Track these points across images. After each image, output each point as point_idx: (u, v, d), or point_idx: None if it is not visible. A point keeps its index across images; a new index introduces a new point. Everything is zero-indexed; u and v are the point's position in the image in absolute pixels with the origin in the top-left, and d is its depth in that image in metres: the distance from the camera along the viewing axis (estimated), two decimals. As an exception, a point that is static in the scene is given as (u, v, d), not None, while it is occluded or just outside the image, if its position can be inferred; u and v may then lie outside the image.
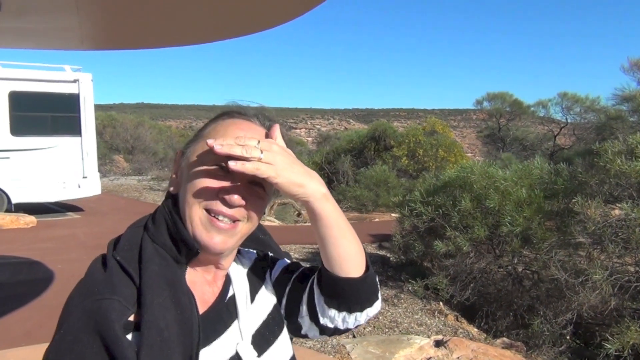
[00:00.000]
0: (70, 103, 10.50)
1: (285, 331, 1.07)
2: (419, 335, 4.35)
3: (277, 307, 1.08)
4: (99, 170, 11.46)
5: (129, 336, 0.81)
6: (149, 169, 24.29)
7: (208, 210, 0.89)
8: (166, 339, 0.82)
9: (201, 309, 0.91)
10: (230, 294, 1.01)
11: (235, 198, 0.88)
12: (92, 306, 0.80)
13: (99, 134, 16.84)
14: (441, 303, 5.25)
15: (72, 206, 11.75)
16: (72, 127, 10.54)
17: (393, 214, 10.88)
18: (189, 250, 0.91)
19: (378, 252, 7.83)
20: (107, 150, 24.96)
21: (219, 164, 0.88)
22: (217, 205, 0.88)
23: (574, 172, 5.03)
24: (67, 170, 10.51)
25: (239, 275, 1.04)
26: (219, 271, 0.99)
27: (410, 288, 5.51)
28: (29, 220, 9.54)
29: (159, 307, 0.84)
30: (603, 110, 12.74)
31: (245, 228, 0.93)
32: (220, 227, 0.89)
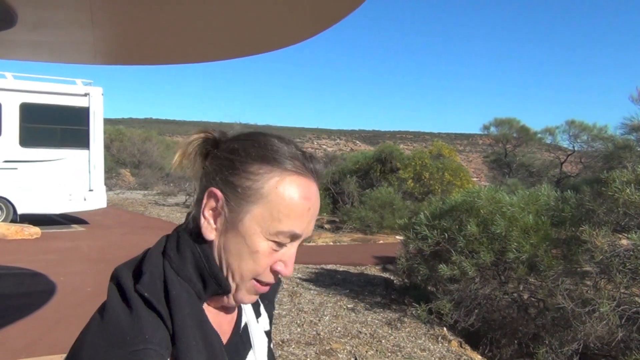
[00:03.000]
0: (80, 116, 10.60)
1: None
2: (422, 360, 4.28)
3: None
4: (105, 184, 11.50)
5: None
6: (154, 183, 24.38)
7: (257, 279, 0.87)
8: None
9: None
10: (242, 323, 1.00)
11: (290, 272, 0.88)
12: (126, 358, 0.72)
13: (107, 147, 16.95)
14: (445, 328, 5.18)
15: (77, 218, 11.78)
16: (81, 140, 10.62)
17: (397, 236, 10.84)
18: (218, 289, 0.86)
19: (382, 275, 7.77)
20: (114, 164, 25.10)
21: (282, 242, 0.86)
22: (268, 277, 0.88)
23: (581, 200, 4.99)
24: (74, 183, 10.55)
25: (246, 310, 1.03)
26: (230, 307, 0.97)
27: (413, 312, 5.45)
28: (34, 231, 9.55)
29: (196, 351, 0.79)
30: (610, 139, 12.72)
31: None
32: (262, 292, 0.90)
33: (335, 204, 14.91)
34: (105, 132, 11.78)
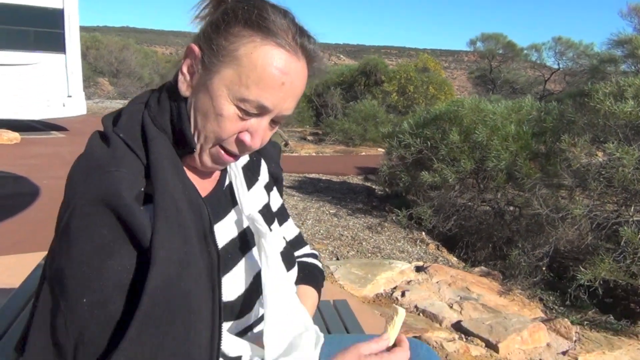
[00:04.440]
0: (55, 18, 10.11)
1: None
2: (400, 260, 4.48)
3: (269, 208, 1.12)
4: (83, 91, 11.21)
5: (142, 208, 0.78)
6: (134, 93, 23.76)
7: (221, 146, 0.88)
8: (181, 209, 0.80)
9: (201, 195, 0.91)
10: (226, 182, 1.02)
11: (257, 144, 0.88)
12: (100, 178, 0.76)
13: (83, 55, 16.31)
14: (423, 233, 5.38)
15: (56, 125, 11.58)
16: (56, 43, 10.20)
17: (380, 149, 10.94)
18: (185, 146, 0.88)
19: (364, 184, 7.92)
20: (92, 73, 24.32)
21: (249, 112, 0.84)
22: (232, 146, 0.88)
23: (563, 111, 5.05)
24: (51, 88, 10.25)
25: (235, 166, 1.04)
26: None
27: (394, 217, 5.62)
28: (13, 136, 9.40)
29: (173, 182, 0.82)
30: (596, 56, 12.66)
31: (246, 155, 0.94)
32: (227, 161, 0.91)
33: (318, 116, 14.85)
34: (80, 39, 11.31)
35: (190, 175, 0.91)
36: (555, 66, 18.69)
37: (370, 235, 5.25)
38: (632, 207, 4.28)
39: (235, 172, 1.03)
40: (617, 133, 4.60)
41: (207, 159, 0.89)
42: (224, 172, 1.02)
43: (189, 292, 0.76)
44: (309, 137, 13.50)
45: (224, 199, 0.99)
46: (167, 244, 0.75)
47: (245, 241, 0.98)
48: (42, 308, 0.78)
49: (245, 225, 1.00)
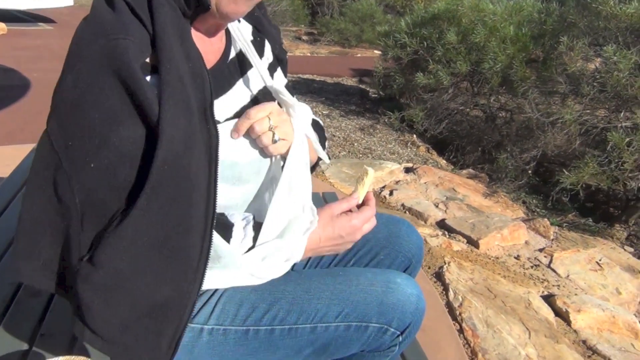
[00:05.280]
0: None
1: None
2: (390, 161, 4.55)
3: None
4: (69, -20, 10.68)
5: (147, 78, 0.80)
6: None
7: None
8: (185, 85, 0.82)
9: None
10: (231, 56, 1.03)
11: None
12: (107, 44, 0.76)
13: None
14: (415, 135, 5.41)
15: (43, 17, 11.14)
16: None
17: (376, 51, 10.70)
18: (198, 5, 0.88)
19: (358, 86, 7.84)
20: (76, -39, 22.99)
21: None
22: None
23: (564, 12, 4.91)
24: (36, -24, 9.77)
25: (243, 39, 1.05)
26: (219, 32, 1.00)
27: (386, 120, 5.63)
28: (0, 27, 9.08)
29: (177, 54, 0.82)
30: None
31: None
32: None
33: (313, 15, 14.33)
34: None
35: (197, 44, 0.91)
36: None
37: (362, 136, 5.29)
38: (622, 113, 4.29)
39: (245, 43, 1.05)
40: (616, 37, 4.51)
41: (226, 3, 0.88)
42: (228, 45, 1.03)
43: (191, 168, 0.80)
44: (304, 37, 13.12)
45: (228, 72, 1.01)
46: (173, 121, 0.77)
47: None
48: (40, 166, 0.80)
49: (249, 98, 1.03)
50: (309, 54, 10.86)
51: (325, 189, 3.53)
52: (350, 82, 8.29)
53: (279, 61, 1.21)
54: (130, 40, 0.77)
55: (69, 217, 0.78)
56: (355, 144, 5.03)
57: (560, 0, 5.92)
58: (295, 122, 1.02)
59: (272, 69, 1.17)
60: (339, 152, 4.76)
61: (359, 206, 1.07)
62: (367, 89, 7.45)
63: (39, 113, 4.77)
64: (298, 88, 7.26)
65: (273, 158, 1.02)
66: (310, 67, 9.10)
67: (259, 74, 1.05)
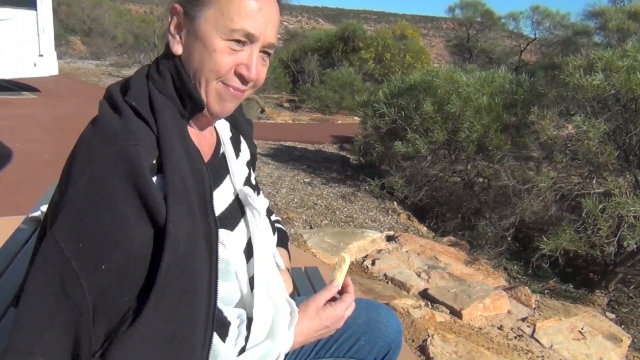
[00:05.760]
0: (24, -28, 9.74)
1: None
2: (372, 230, 4.58)
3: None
4: (55, 51, 10.90)
5: (154, 178, 0.84)
6: (107, 53, 23.22)
7: (223, 82, 0.94)
8: (187, 185, 0.87)
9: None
10: (221, 151, 1.11)
11: (253, 75, 0.94)
12: (120, 151, 0.81)
13: (54, 12, 15.77)
14: (395, 203, 5.48)
15: (27, 86, 11.28)
16: None
17: (356, 117, 10.96)
18: (194, 106, 0.95)
19: (339, 153, 7.98)
20: (63, 31, 23.54)
21: (237, 39, 0.91)
22: (234, 82, 0.95)
23: (534, 83, 5.14)
24: (22, 47, 9.93)
25: (225, 137, 1.13)
26: (211, 128, 1.08)
27: (367, 187, 5.71)
28: (-19, 97, 9.15)
29: (179, 155, 0.88)
30: (571, 27, 12.76)
31: (249, 93, 1.00)
32: (234, 96, 0.97)
33: (295, 82, 14.73)
34: (50, -5, 10.92)
35: (194, 140, 0.97)
36: (532, 35, 18.78)
37: (344, 204, 5.34)
38: (595, 180, 4.42)
39: (225, 142, 1.12)
40: (585, 106, 4.72)
41: (213, 101, 0.95)
42: (218, 142, 1.10)
43: (195, 265, 0.85)
44: (286, 104, 13.43)
45: (220, 166, 1.08)
46: (178, 221, 0.82)
47: (237, 209, 1.08)
48: (44, 264, 0.80)
49: (234, 196, 1.10)
50: (290, 121, 11.08)
51: (307, 261, 3.52)
52: (332, 148, 8.45)
53: (252, 155, 1.27)
54: (141, 145, 0.82)
55: (79, 314, 0.80)
56: (337, 212, 5.07)
57: (530, 71, 6.22)
58: (261, 229, 1.09)
59: (249, 165, 1.24)
60: (321, 221, 4.79)
61: (340, 292, 1.14)
62: (348, 156, 7.58)
63: (20, 185, 4.75)
64: (280, 155, 7.37)
65: (253, 258, 1.06)
66: (292, 134, 9.27)
67: (234, 176, 1.11)
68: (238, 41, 0.92)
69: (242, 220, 1.08)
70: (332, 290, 1.12)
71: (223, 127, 1.17)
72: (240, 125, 1.23)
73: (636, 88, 4.16)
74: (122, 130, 0.84)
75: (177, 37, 0.94)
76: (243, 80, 0.95)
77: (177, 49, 0.94)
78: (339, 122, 11.40)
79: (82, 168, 0.81)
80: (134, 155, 0.81)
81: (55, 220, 0.80)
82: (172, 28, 0.95)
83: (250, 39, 0.93)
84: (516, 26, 19.70)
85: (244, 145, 1.23)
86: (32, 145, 6.22)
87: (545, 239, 4.04)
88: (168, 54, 0.96)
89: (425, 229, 5.17)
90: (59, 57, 12.28)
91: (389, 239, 4.37)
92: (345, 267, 1.14)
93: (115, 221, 0.78)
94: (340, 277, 1.13)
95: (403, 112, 5.47)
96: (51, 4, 10.43)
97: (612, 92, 4.29)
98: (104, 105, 0.89)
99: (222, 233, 0.96)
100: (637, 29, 8.63)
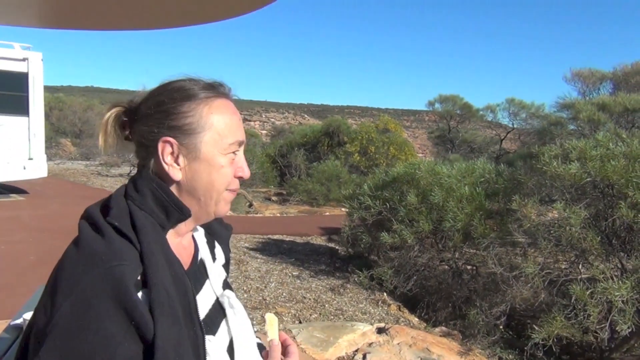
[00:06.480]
0: (19, 82, 10.16)
1: None
2: (362, 322, 4.52)
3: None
4: (45, 153, 11.13)
5: (139, 294, 0.86)
6: (97, 154, 23.58)
7: (228, 189, 1.05)
8: (171, 296, 0.89)
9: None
10: (199, 258, 1.14)
11: (248, 173, 1.07)
12: (105, 273, 0.83)
13: (46, 116, 16.26)
14: (385, 293, 5.44)
15: (16, 188, 11.36)
16: (20, 106, 10.20)
17: (343, 209, 11.08)
18: (181, 215, 1.01)
19: (327, 244, 7.99)
20: (54, 134, 24.11)
21: (233, 150, 1.04)
22: (235, 185, 1.06)
23: (513, 173, 5.32)
24: (13, 151, 10.15)
25: (201, 243, 1.18)
26: (189, 235, 1.12)
27: (356, 279, 5.68)
28: (-31, 200, 9.19)
29: (162, 269, 0.91)
30: (546, 117, 13.36)
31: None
32: (233, 197, 1.08)
33: (282, 176, 15.01)
34: (44, 100, 11.33)
35: (173, 249, 1.01)
36: (511, 125, 19.56)
37: (333, 297, 5.29)
38: (581, 265, 4.46)
39: (201, 248, 1.16)
40: (564, 193, 4.86)
41: (223, 206, 1.06)
42: (196, 248, 1.14)
43: None
44: (274, 198, 13.59)
45: (199, 273, 1.11)
46: (166, 334, 0.84)
47: (219, 310, 1.10)
48: None
49: (214, 300, 1.12)
50: (278, 214, 11.16)
51: (296, 357, 3.45)
52: (320, 240, 8.46)
53: (227, 260, 1.32)
54: (125, 264, 0.85)
55: None
56: (327, 305, 5.01)
57: (509, 160, 6.44)
58: (243, 327, 1.11)
59: (225, 267, 1.28)
60: (310, 315, 4.72)
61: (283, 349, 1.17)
62: (336, 247, 7.60)
63: (3, 289, 4.68)
64: (268, 249, 7.37)
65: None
66: (280, 227, 9.32)
67: (212, 281, 1.15)
68: (234, 151, 1.04)
69: (224, 321, 1.10)
70: (276, 352, 1.13)
71: (199, 233, 1.21)
72: (215, 231, 1.27)
73: (611, 175, 4.32)
74: (105, 251, 0.86)
75: (175, 164, 1.00)
76: (241, 179, 1.07)
77: (176, 175, 1.00)
78: (327, 213, 11.50)
79: (67, 291, 0.82)
80: (119, 275, 0.83)
81: (43, 345, 0.81)
82: (166, 158, 0.99)
83: (240, 145, 1.05)
84: (494, 117, 20.55)
85: (218, 250, 1.26)
86: (18, 247, 6.19)
87: (536, 327, 4.00)
88: (150, 175, 1.00)
89: (417, 319, 5.11)
90: (49, 158, 12.53)
91: (380, 331, 4.30)
92: (275, 325, 1.17)
93: (104, 342, 0.80)
94: (275, 336, 1.15)
95: (388, 204, 5.57)
96: (43, 110, 10.80)
97: (589, 179, 4.44)
98: (84, 227, 0.92)
99: (206, 339, 0.98)
100: (607, 119, 9.06)
